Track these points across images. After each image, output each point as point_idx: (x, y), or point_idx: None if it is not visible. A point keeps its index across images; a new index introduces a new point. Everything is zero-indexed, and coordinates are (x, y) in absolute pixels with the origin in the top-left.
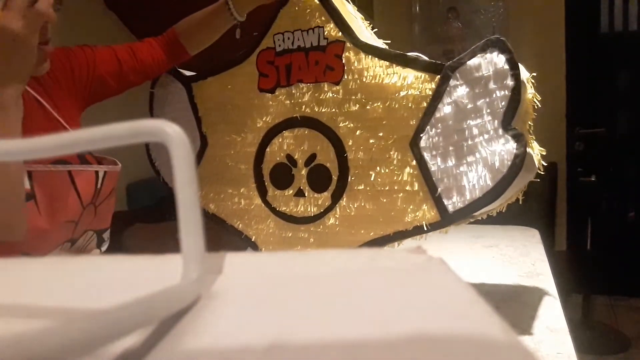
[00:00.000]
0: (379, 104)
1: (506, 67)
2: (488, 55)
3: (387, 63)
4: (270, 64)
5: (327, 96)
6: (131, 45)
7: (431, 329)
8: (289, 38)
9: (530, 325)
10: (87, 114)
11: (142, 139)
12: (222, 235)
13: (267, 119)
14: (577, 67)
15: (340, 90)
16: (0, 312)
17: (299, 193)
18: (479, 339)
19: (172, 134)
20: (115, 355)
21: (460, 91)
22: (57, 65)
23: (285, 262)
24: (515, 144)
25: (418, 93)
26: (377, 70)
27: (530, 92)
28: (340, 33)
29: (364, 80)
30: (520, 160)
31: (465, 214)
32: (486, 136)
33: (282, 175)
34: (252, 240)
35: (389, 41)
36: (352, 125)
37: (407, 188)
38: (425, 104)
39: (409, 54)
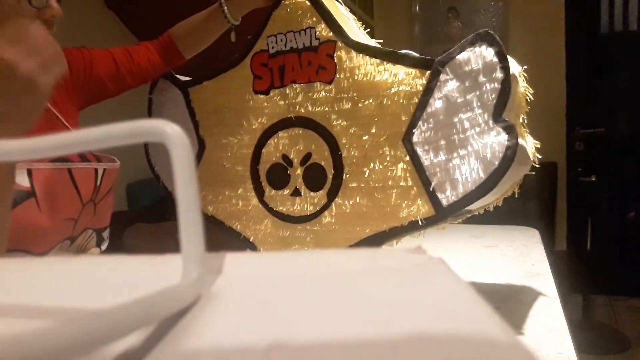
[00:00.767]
0: (370, 101)
1: (495, 60)
2: (477, 49)
3: (378, 61)
4: (264, 66)
5: (320, 95)
6: (128, 48)
7: (431, 329)
8: (281, 40)
9: (531, 325)
10: (86, 114)
11: (142, 139)
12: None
13: (262, 120)
14: (577, 67)
15: (333, 89)
16: (0, 312)
17: (295, 192)
18: (479, 339)
19: (171, 133)
20: (115, 355)
21: (450, 85)
22: None
23: (285, 262)
24: (507, 135)
25: (409, 89)
26: (368, 68)
27: (522, 86)
28: (331, 33)
29: (356, 78)
30: (512, 152)
31: (460, 207)
32: (477, 129)
33: (279, 175)
34: (250, 240)
35: (382, 41)
36: (345, 123)
37: (401, 183)
38: (416, 100)
39: (399, 51)
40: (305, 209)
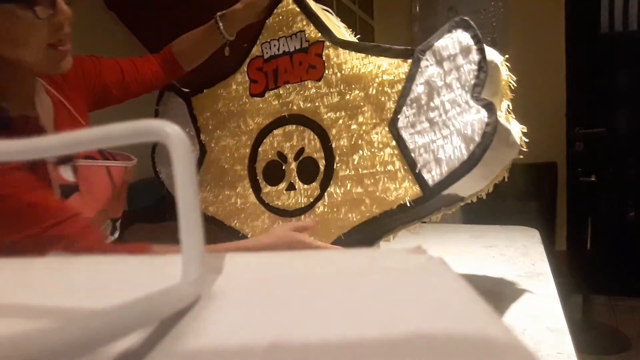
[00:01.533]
0: (357, 92)
1: (471, 42)
2: (454, 35)
3: (363, 55)
4: (260, 71)
5: (311, 92)
6: (133, 59)
7: (431, 329)
8: (275, 45)
9: (530, 325)
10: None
11: (142, 139)
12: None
13: (259, 120)
14: (577, 67)
15: (322, 85)
16: (0, 312)
17: (290, 187)
18: (479, 339)
19: (172, 133)
20: (115, 355)
21: (430, 70)
22: (71, 71)
23: (285, 262)
24: (486, 112)
25: (392, 78)
26: (354, 62)
27: (505, 74)
28: (319, 34)
29: (343, 72)
30: (491, 127)
31: (446, 185)
32: (458, 109)
33: (274, 172)
34: (249, 237)
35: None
36: (334, 115)
37: (389, 168)
38: (399, 87)
39: (382, 45)
40: (299, 201)
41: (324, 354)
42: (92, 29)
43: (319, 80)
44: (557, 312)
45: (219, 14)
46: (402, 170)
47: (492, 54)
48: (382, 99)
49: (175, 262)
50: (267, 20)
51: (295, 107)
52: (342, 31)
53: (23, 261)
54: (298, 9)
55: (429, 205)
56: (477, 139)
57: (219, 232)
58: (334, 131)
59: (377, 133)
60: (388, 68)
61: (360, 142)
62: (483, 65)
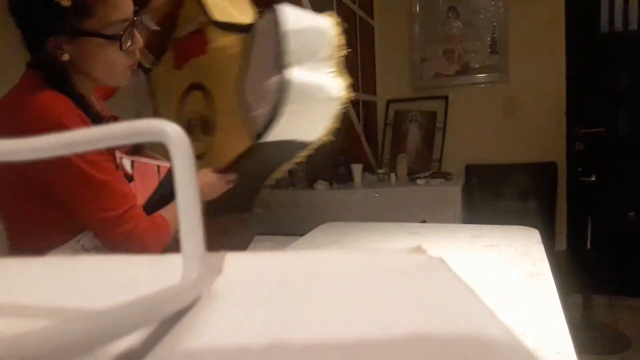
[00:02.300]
0: (221, 63)
1: (276, 21)
2: (267, 17)
3: (228, 33)
4: (178, 48)
5: (202, 63)
6: None
7: (431, 329)
8: (183, 29)
9: (530, 325)
10: None
11: (142, 139)
12: (223, 235)
13: (180, 87)
14: (577, 67)
15: (207, 58)
16: (0, 312)
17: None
18: (479, 339)
19: (172, 133)
20: (115, 355)
21: (258, 44)
22: None
23: (285, 262)
24: (283, 73)
25: (238, 50)
26: (224, 40)
27: (331, 38)
28: (208, 18)
29: (216, 47)
30: (286, 84)
31: (266, 133)
32: (272, 73)
33: (188, 130)
34: None
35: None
36: (213, 82)
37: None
38: (244, 56)
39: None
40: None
41: (324, 354)
42: None
43: (205, 54)
44: (557, 312)
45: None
46: (242, 127)
47: (317, 20)
48: (235, 66)
49: (175, 262)
50: (180, 10)
51: (196, 78)
52: (228, 11)
53: (23, 261)
54: (196, 1)
55: (275, 146)
56: (277, 94)
57: (220, 232)
58: (214, 94)
59: (232, 96)
60: (236, 43)
61: (224, 103)
62: (285, 37)
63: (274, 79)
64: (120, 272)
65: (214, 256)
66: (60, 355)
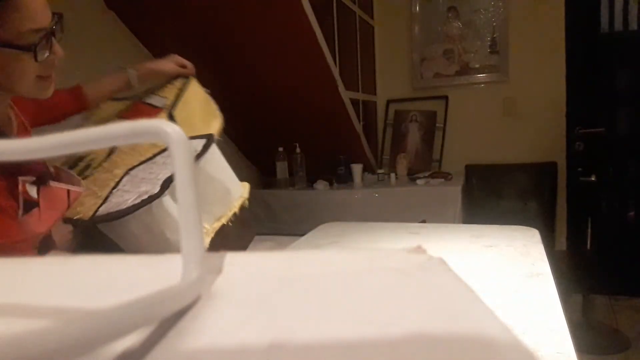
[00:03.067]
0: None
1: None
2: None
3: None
4: (136, 109)
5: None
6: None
7: (431, 329)
8: (152, 98)
9: (530, 325)
10: None
11: (142, 139)
12: (223, 234)
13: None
14: (577, 67)
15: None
16: (0, 312)
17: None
18: (479, 339)
19: (172, 133)
20: (115, 355)
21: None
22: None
23: (285, 262)
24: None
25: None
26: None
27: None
28: (169, 103)
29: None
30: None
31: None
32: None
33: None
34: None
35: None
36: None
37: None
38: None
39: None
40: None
41: (324, 354)
42: (92, 29)
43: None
44: (557, 312)
45: (129, 69)
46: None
47: (233, 182)
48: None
49: (175, 262)
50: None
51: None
52: (193, 107)
53: (23, 261)
54: (177, 90)
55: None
56: (144, 196)
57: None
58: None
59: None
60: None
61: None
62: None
63: (147, 188)
64: (120, 272)
65: (214, 256)
66: (60, 355)
